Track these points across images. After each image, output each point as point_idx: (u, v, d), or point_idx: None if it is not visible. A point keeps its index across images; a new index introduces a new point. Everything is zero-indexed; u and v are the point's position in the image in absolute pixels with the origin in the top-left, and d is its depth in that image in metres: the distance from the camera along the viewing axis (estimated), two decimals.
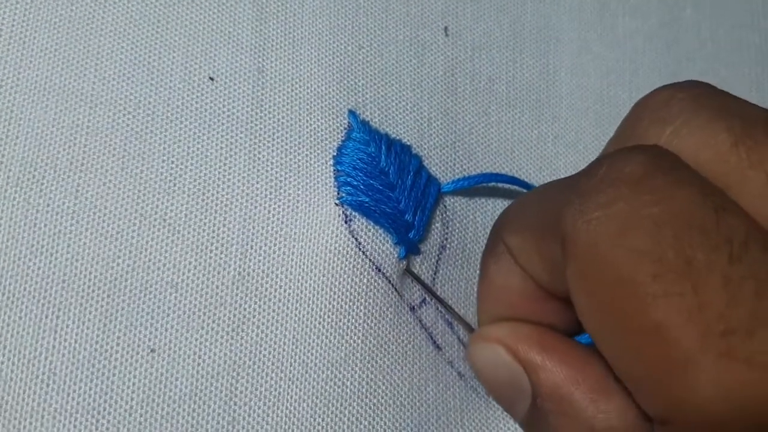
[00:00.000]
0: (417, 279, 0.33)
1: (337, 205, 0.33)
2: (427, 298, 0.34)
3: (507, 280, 0.28)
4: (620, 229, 0.21)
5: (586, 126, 0.39)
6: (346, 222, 0.33)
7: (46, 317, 0.29)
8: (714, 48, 0.42)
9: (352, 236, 0.33)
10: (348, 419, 0.31)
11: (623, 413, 0.25)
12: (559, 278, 0.25)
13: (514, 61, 0.39)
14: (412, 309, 0.33)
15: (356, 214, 0.33)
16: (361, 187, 0.33)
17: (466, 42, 0.38)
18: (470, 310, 0.34)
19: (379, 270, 0.33)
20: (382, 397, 0.32)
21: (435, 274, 0.34)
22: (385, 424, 0.32)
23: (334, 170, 0.33)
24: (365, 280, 0.33)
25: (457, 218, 0.35)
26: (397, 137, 0.35)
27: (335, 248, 0.32)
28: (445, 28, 0.38)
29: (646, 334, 0.21)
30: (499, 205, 0.36)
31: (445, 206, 0.35)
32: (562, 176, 0.36)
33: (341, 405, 0.31)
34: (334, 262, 0.32)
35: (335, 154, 0.34)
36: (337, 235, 0.33)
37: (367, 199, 0.33)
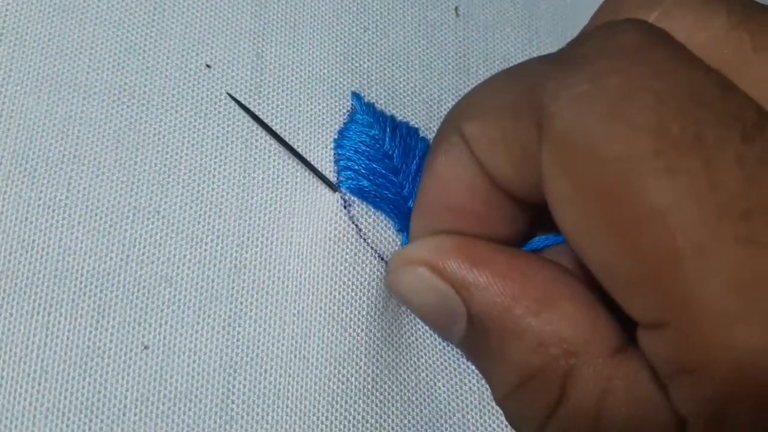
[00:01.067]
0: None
1: (335, 190, 0.31)
2: None
3: (457, 176, 0.24)
4: (614, 102, 0.18)
5: None
6: (345, 207, 0.31)
7: (38, 313, 0.29)
8: None
9: (352, 222, 0.31)
10: (353, 417, 0.30)
11: (575, 322, 0.22)
12: (528, 168, 0.21)
13: (530, 40, 0.37)
14: None
15: (355, 199, 0.31)
16: (363, 171, 0.31)
17: (478, 21, 0.36)
18: None
19: (382, 258, 0.31)
20: (389, 394, 0.30)
21: None
22: (393, 422, 0.30)
23: (335, 154, 0.32)
24: (367, 269, 0.31)
25: None
26: (404, 120, 0.33)
27: (335, 236, 0.31)
28: (456, 8, 0.36)
29: (642, 221, 0.18)
30: None
31: None
32: None
33: (345, 402, 0.30)
34: (333, 250, 0.31)
35: (336, 137, 0.32)
36: (336, 222, 0.31)
37: (367, 184, 0.31)
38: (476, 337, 0.23)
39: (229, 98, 0.32)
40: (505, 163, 0.23)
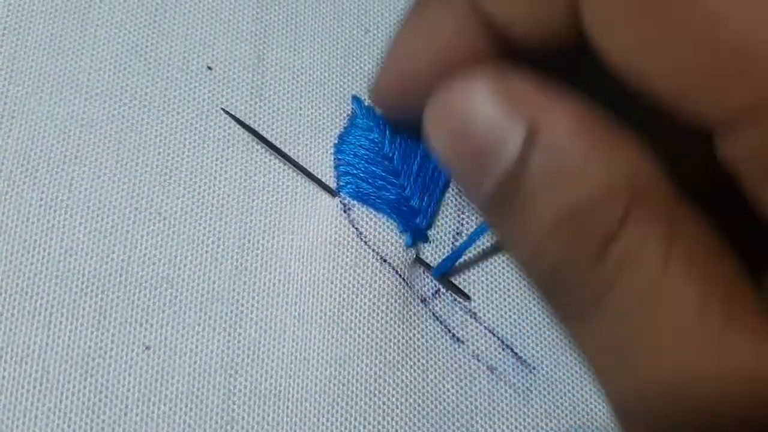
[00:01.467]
0: (427, 267, 0.31)
1: (334, 195, 0.31)
2: (441, 289, 0.32)
3: (449, 21, 0.22)
4: None
5: None
6: (344, 212, 0.31)
7: (39, 314, 0.29)
8: None
9: (352, 226, 0.31)
10: (355, 419, 0.29)
11: (639, 161, 0.20)
12: (549, 8, 0.20)
13: None
14: (424, 301, 0.31)
15: (355, 202, 0.31)
16: (362, 174, 0.31)
17: None
18: (491, 300, 0.32)
19: (384, 260, 0.31)
20: (393, 395, 0.30)
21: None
22: (396, 423, 0.30)
23: (335, 159, 0.32)
24: (368, 271, 0.31)
25: (471, 204, 0.33)
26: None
27: (335, 238, 0.31)
28: None
29: (716, 21, 0.17)
30: None
31: (459, 190, 0.33)
32: None
33: (346, 404, 0.29)
34: (334, 252, 0.31)
35: (336, 141, 0.32)
36: (336, 226, 0.31)
37: (366, 187, 0.31)
38: (512, 189, 0.20)
39: (229, 101, 0.32)
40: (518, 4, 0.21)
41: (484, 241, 0.32)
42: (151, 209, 0.30)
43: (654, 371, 0.19)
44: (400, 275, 0.31)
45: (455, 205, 0.33)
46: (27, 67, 0.31)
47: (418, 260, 0.31)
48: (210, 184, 0.31)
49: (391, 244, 0.31)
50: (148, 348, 0.29)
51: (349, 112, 0.33)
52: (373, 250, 0.31)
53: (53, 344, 0.28)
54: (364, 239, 0.31)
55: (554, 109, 0.20)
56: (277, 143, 0.32)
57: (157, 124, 0.31)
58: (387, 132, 0.32)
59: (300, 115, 0.33)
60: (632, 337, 0.19)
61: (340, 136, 0.32)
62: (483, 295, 0.32)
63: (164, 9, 0.33)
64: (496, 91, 0.20)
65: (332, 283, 0.30)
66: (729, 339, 0.18)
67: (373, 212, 0.31)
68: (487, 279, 0.32)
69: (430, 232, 0.32)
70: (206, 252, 0.30)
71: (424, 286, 0.31)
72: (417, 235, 0.31)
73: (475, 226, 0.33)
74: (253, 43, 0.33)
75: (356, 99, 0.33)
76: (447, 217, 0.33)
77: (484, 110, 0.20)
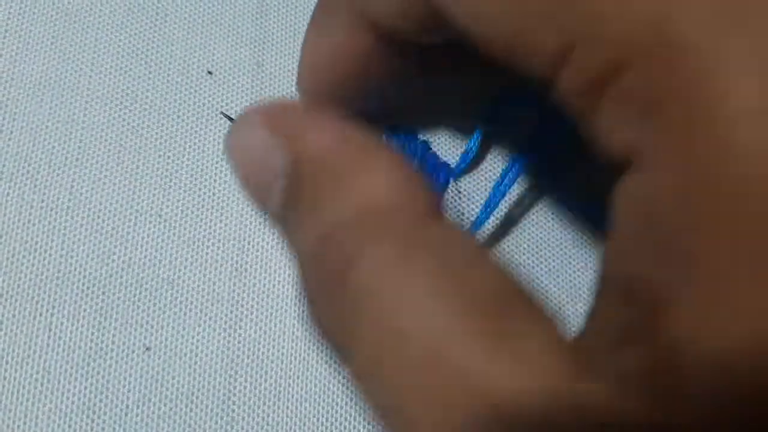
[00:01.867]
0: None
1: None
2: None
3: (334, 31, 0.25)
4: None
5: None
6: None
7: (40, 314, 0.29)
8: None
9: None
10: (354, 419, 0.30)
11: (390, 185, 0.19)
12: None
13: None
14: None
15: None
16: None
17: None
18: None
19: None
20: None
21: None
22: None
23: None
24: None
25: (473, 205, 0.33)
26: (403, 122, 0.34)
27: None
28: None
29: None
30: (522, 188, 0.34)
31: (459, 192, 0.33)
32: None
33: (345, 404, 0.30)
34: None
35: None
36: None
37: None
38: (295, 198, 0.21)
39: (229, 105, 0.33)
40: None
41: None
42: (152, 211, 0.31)
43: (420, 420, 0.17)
44: None
45: (455, 208, 0.33)
46: (28, 69, 0.31)
47: None
48: (210, 187, 0.31)
49: None
50: (148, 349, 0.29)
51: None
52: None
53: (54, 345, 0.29)
54: None
55: (314, 129, 0.21)
56: None
57: (158, 128, 0.32)
58: (384, 136, 0.32)
59: None
60: (386, 386, 0.18)
61: None
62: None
63: (165, 14, 0.33)
64: (264, 120, 0.21)
65: None
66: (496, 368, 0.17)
67: None
68: None
69: None
70: (206, 253, 0.31)
71: None
72: None
73: (474, 216, 0.33)
74: (253, 49, 0.34)
75: None
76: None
77: (253, 137, 0.21)
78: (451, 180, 0.33)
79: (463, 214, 0.33)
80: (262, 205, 0.22)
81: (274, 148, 0.21)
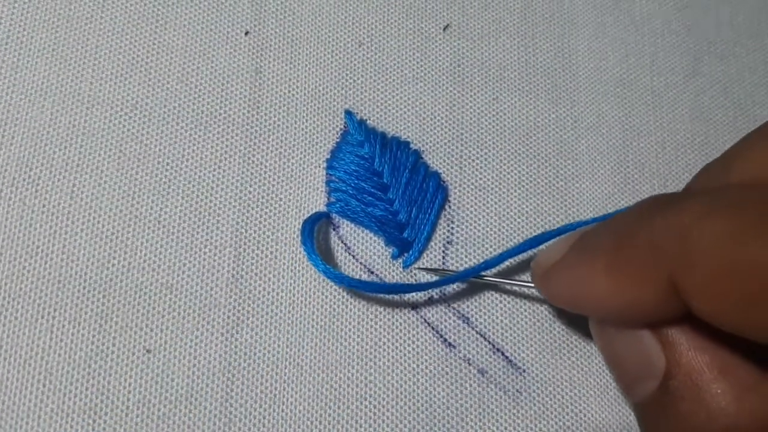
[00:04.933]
0: (434, 272, 0.33)
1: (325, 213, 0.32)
2: (434, 296, 0.33)
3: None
4: None
5: (607, 110, 0.37)
6: (333, 229, 0.32)
7: (42, 317, 0.30)
8: (733, 32, 0.40)
9: (341, 241, 0.32)
10: (346, 421, 0.31)
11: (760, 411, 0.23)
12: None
13: (526, 46, 0.37)
14: (415, 307, 0.32)
15: (344, 220, 0.33)
16: (351, 191, 0.32)
17: (473, 31, 0.37)
18: (483, 305, 0.33)
19: (372, 272, 0.32)
20: (383, 399, 0.31)
21: (443, 267, 0.33)
22: (387, 425, 0.31)
23: (326, 175, 0.33)
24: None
25: (462, 212, 0.34)
26: (397, 133, 0.34)
27: (324, 254, 0.32)
28: (445, 27, 0.36)
29: None
30: (505, 201, 0.35)
31: (449, 201, 0.34)
32: (584, 161, 0.35)
33: (337, 407, 0.31)
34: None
35: (328, 157, 0.33)
36: (326, 241, 0.32)
37: (355, 204, 0.32)
38: (664, 400, 0.25)
39: (227, 112, 0.33)
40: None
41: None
42: (151, 217, 0.31)
43: None
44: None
45: (445, 216, 0.34)
46: (30, 77, 0.32)
47: (424, 269, 0.33)
48: (207, 195, 0.32)
49: (379, 256, 0.32)
50: (148, 351, 0.30)
51: (343, 126, 0.34)
52: (361, 263, 0.32)
53: (56, 347, 0.29)
54: (351, 253, 0.32)
55: (684, 340, 0.25)
56: (272, 155, 0.33)
57: (157, 134, 0.32)
58: (377, 147, 0.33)
59: (295, 128, 0.34)
60: None
61: (332, 152, 0.33)
62: (476, 300, 0.33)
63: (165, 22, 0.34)
64: (657, 339, 0.25)
65: (322, 292, 0.32)
66: None
67: (361, 228, 0.33)
68: (479, 286, 0.34)
69: (421, 241, 0.33)
70: (204, 260, 0.31)
71: (415, 293, 0.33)
72: (403, 247, 0.32)
73: (464, 235, 0.34)
74: (252, 56, 0.34)
75: (348, 113, 0.34)
76: (438, 226, 0.34)
77: (634, 341, 0.26)
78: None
79: (452, 221, 0.34)
80: (628, 388, 0.27)
81: (653, 349, 0.25)
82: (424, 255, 0.33)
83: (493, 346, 0.33)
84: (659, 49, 0.39)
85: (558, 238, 0.29)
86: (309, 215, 0.32)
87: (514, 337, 0.33)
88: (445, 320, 0.33)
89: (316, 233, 0.32)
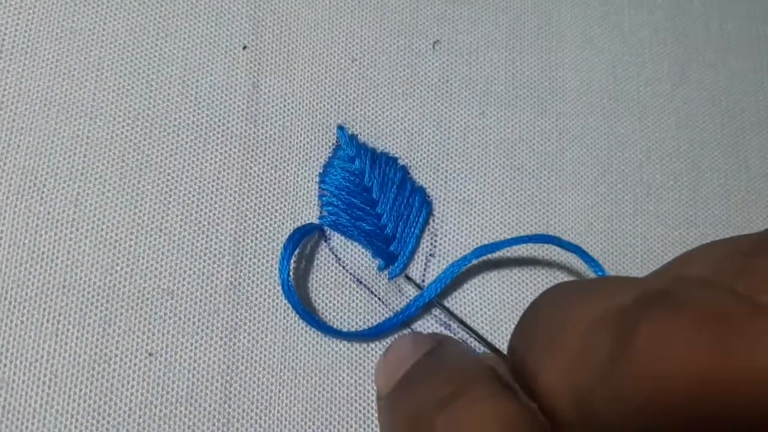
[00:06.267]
0: (417, 286, 0.34)
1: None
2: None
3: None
4: None
5: (592, 121, 0.39)
6: (325, 241, 0.34)
7: (47, 321, 0.31)
8: (723, 40, 0.42)
9: (332, 253, 0.34)
10: (338, 422, 0.32)
11: None
12: None
13: (513, 60, 0.39)
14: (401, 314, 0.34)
15: (335, 232, 0.34)
16: (342, 206, 0.34)
17: (462, 47, 0.38)
18: (460, 311, 0.35)
19: (360, 282, 0.34)
20: (372, 401, 0.32)
21: (423, 279, 0.35)
22: (377, 427, 0.32)
23: (319, 189, 0.34)
24: (346, 291, 0.34)
25: (446, 226, 0.36)
26: (386, 149, 0.36)
27: (316, 264, 0.34)
28: (434, 43, 0.38)
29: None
30: (488, 214, 0.36)
31: (433, 215, 0.36)
32: (568, 172, 0.36)
33: (330, 409, 0.32)
34: (316, 275, 0.34)
35: (321, 171, 0.34)
36: (317, 252, 0.34)
37: (345, 219, 0.34)
38: None
39: (226, 125, 0.34)
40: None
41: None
42: (153, 224, 0.32)
43: None
44: (374, 294, 0.34)
45: (429, 230, 0.35)
46: (34, 87, 0.33)
47: (407, 279, 0.34)
48: (206, 205, 0.33)
49: (366, 268, 0.34)
50: (150, 354, 0.31)
51: (335, 141, 0.35)
52: (350, 274, 0.34)
53: (61, 351, 0.31)
54: (341, 264, 0.34)
55: None
56: (269, 168, 0.34)
57: (158, 144, 0.33)
58: (367, 162, 0.34)
59: (290, 141, 0.35)
60: None
61: (324, 166, 0.35)
62: (457, 308, 0.35)
63: (166, 36, 0.35)
64: None
65: (315, 300, 0.33)
66: None
67: (350, 241, 0.35)
68: (453, 289, 0.35)
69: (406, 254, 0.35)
70: (203, 267, 0.32)
71: (401, 302, 0.34)
72: (389, 259, 0.34)
73: (446, 248, 0.35)
74: (249, 71, 0.35)
75: (340, 129, 0.35)
76: (422, 240, 0.35)
77: None
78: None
79: (435, 235, 0.35)
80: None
81: None
82: (409, 267, 0.35)
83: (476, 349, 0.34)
84: (647, 59, 0.40)
85: (407, 340, 0.30)
86: (300, 229, 0.33)
87: (495, 343, 0.34)
88: (428, 327, 0.34)
89: (300, 249, 0.33)
